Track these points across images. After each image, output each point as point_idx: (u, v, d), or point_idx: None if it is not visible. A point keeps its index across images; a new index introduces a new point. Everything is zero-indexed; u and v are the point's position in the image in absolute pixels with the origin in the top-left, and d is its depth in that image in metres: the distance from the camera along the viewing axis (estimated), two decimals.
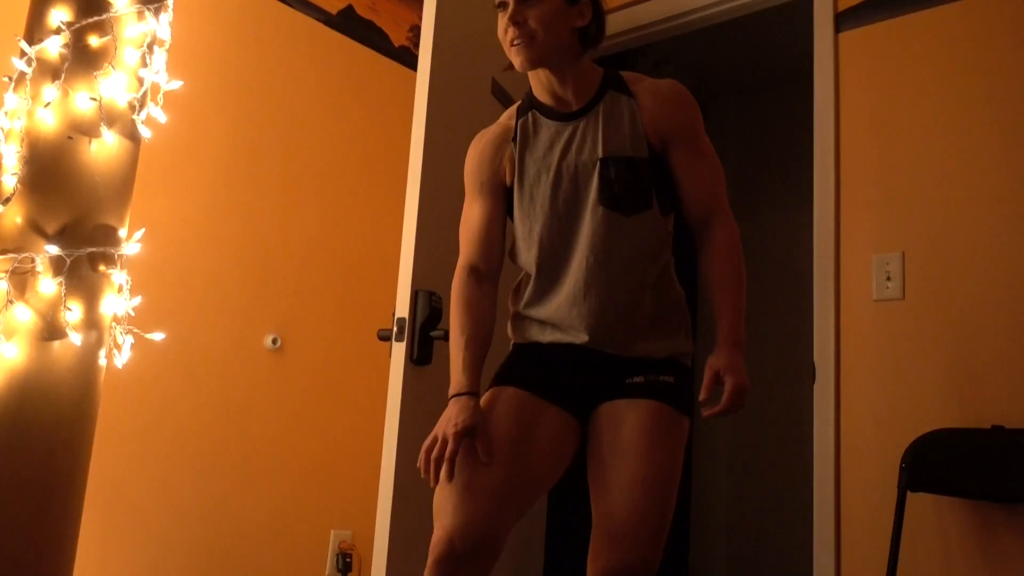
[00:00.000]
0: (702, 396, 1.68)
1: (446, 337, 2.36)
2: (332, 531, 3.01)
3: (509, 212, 1.89)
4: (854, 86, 2.75)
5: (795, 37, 3.43)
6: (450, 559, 1.61)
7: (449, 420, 1.69)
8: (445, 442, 1.65)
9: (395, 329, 2.37)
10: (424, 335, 2.36)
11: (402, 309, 2.37)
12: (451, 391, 1.75)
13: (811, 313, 2.70)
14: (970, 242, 2.48)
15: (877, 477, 2.51)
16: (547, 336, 1.82)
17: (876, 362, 2.58)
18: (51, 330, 1.89)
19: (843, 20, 2.80)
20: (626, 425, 1.73)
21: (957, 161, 2.54)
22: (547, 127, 1.82)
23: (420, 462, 1.68)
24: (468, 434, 1.67)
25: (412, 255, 2.38)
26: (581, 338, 1.77)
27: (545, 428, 1.75)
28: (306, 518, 2.95)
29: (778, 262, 4.37)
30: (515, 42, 1.74)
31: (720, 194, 1.83)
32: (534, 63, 1.75)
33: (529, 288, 1.84)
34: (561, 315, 1.79)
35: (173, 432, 2.65)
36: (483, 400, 1.78)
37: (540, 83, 1.82)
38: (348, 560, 2.99)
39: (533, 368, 1.81)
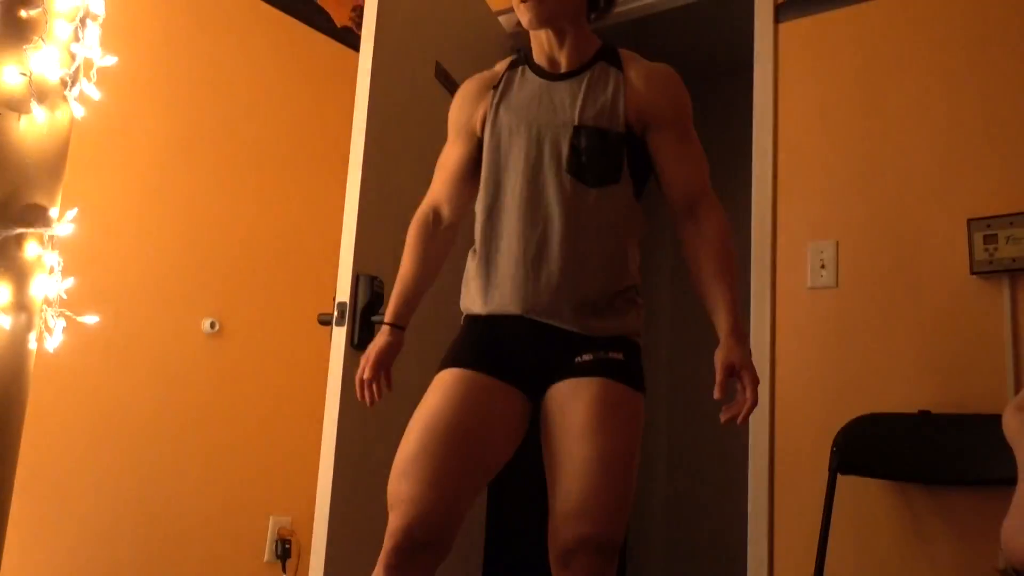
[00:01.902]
0: (718, 394, 1.65)
1: None
2: (271, 517, 2.98)
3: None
4: (793, 76, 2.80)
5: (735, 27, 3.46)
6: (409, 547, 1.61)
7: (369, 348, 1.90)
8: (360, 370, 1.88)
9: (336, 314, 2.35)
10: (365, 320, 2.34)
11: (343, 293, 2.35)
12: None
13: (748, 302, 2.75)
14: (902, 232, 2.55)
15: (809, 461, 2.57)
16: (493, 303, 1.78)
17: (810, 349, 2.64)
18: None
19: (783, 11, 2.84)
20: (578, 405, 1.71)
21: (891, 153, 2.60)
22: (531, 82, 1.83)
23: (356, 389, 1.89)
24: (381, 364, 1.88)
25: (353, 239, 2.36)
26: (527, 308, 1.75)
27: (497, 409, 1.74)
28: (245, 504, 2.91)
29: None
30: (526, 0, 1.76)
31: (705, 180, 1.83)
32: (542, 22, 1.77)
33: (481, 248, 1.82)
34: (510, 281, 1.76)
35: (107, 418, 2.59)
36: (434, 383, 1.77)
37: (539, 43, 1.84)
38: (287, 546, 2.97)
39: (482, 346, 1.78)
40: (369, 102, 2.41)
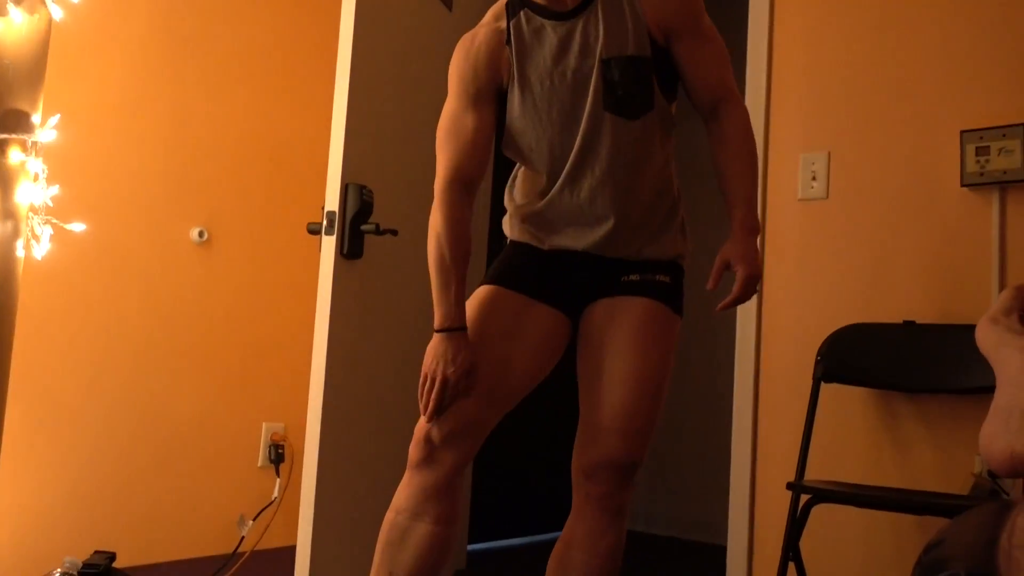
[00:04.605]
0: (710, 285, 1.68)
1: (377, 231, 2.35)
2: (264, 423, 3.02)
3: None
4: None
5: None
6: (429, 447, 1.68)
7: (445, 360, 1.67)
8: (444, 383, 1.65)
9: (325, 223, 2.35)
10: (355, 229, 2.34)
11: (332, 202, 2.34)
12: (441, 324, 1.70)
13: None
14: (894, 144, 2.54)
15: (794, 369, 2.61)
16: (550, 241, 1.80)
17: (798, 259, 2.65)
18: None
19: None
20: (620, 322, 1.74)
21: (885, 65, 2.57)
22: (544, 28, 1.73)
23: (420, 400, 1.69)
24: (467, 375, 1.67)
25: (342, 147, 2.34)
26: (587, 246, 1.77)
27: (535, 327, 1.76)
28: (237, 411, 2.95)
29: (707, 166, 4.39)
30: None
31: (727, 78, 1.80)
32: None
33: (533, 191, 1.80)
34: (567, 221, 1.77)
35: (98, 326, 2.60)
36: (474, 298, 1.79)
37: None
38: (280, 451, 3.02)
39: (528, 269, 1.80)
40: (356, 8, 2.36)
